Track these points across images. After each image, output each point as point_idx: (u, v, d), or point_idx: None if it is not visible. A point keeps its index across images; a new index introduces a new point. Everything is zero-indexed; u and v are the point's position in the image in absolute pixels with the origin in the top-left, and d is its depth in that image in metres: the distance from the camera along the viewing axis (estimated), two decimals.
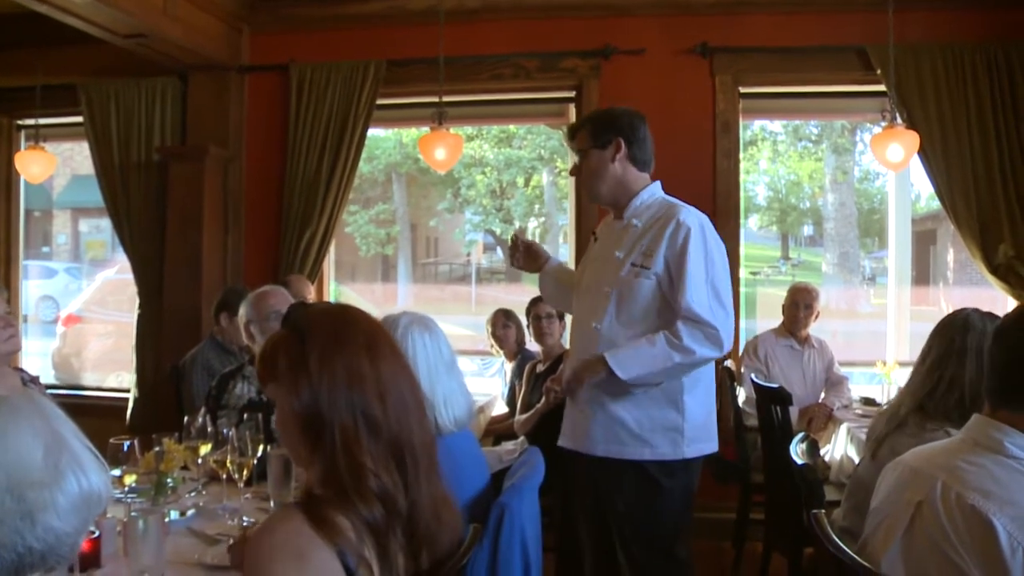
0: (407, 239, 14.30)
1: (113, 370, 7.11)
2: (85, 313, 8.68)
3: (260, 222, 5.28)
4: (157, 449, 2.41)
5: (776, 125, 12.90)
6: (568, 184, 5.45)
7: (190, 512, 2.36)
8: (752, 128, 11.74)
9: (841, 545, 1.63)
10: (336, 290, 5.79)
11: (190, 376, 3.97)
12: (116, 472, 2.19)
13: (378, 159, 12.95)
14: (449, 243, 16.04)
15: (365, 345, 1.43)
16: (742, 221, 5.08)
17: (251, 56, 5.33)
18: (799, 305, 4.62)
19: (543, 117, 6.60)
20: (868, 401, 4.55)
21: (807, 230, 15.99)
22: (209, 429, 2.54)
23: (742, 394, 4.44)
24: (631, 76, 4.89)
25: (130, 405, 5.35)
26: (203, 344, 4.16)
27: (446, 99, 4.68)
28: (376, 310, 2.46)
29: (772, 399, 3.66)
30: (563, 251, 10.65)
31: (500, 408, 4.91)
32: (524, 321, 4.63)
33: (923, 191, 9.42)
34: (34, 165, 5.36)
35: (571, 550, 3.49)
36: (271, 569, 1.27)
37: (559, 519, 3.59)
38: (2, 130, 5.95)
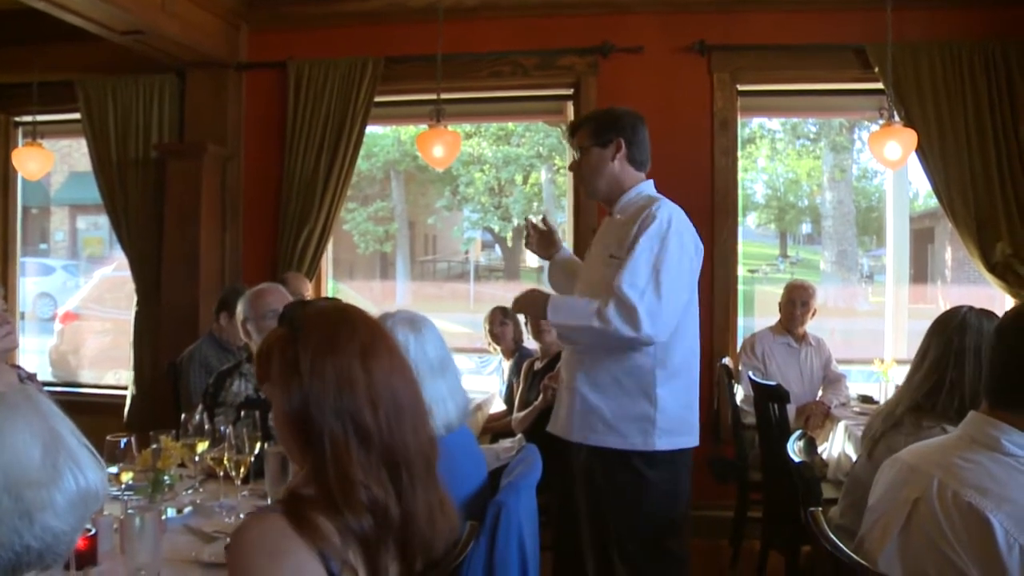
0: (405, 237, 14.30)
1: (110, 367, 7.10)
2: (82, 310, 8.68)
3: (258, 219, 5.28)
4: (154, 446, 2.41)
5: (774, 123, 12.90)
6: (566, 182, 5.45)
7: (187, 509, 2.36)
8: (750, 126, 11.73)
9: (838, 543, 1.63)
10: (334, 288, 5.78)
11: (188, 373, 3.98)
12: (113, 469, 2.19)
13: (376, 156, 12.94)
14: (447, 241, 16.04)
15: (360, 349, 1.40)
16: (740, 219, 5.08)
17: (249, 53, 5.32)
18: (795, 303, 4.63)
19: (541, 115, 6.59)
20: (866, 399, 4.55)
21: (805, 228, 16.01)
22: (206, 426, 2.53)
23: (740, 392, 4.44)
24: (629, 74, 4.89)
25: (127, 402, 5.35)
26: (201, 341, 4.16)
27: (444, 96, 4.67)
28: (374, 308, 2.45)
29: (770, 397, 3.66)
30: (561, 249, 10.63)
31: (498, 406, 4.91)
32: (522, 319, 4.63)
33: (921, 189, 9.44)
34: (31, 162, 5.35)
35: (569, 549, 3.50)
36: (245, 565, 1.26)
37: (556, 517, 3.59)
38: None
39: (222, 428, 2.43)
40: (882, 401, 4.26)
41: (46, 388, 3.29)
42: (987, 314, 2.19)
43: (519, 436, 3.82)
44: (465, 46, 4.97)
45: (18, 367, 3.03)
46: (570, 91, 5.10)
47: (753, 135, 12.67)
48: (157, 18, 4.48)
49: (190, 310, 5.06)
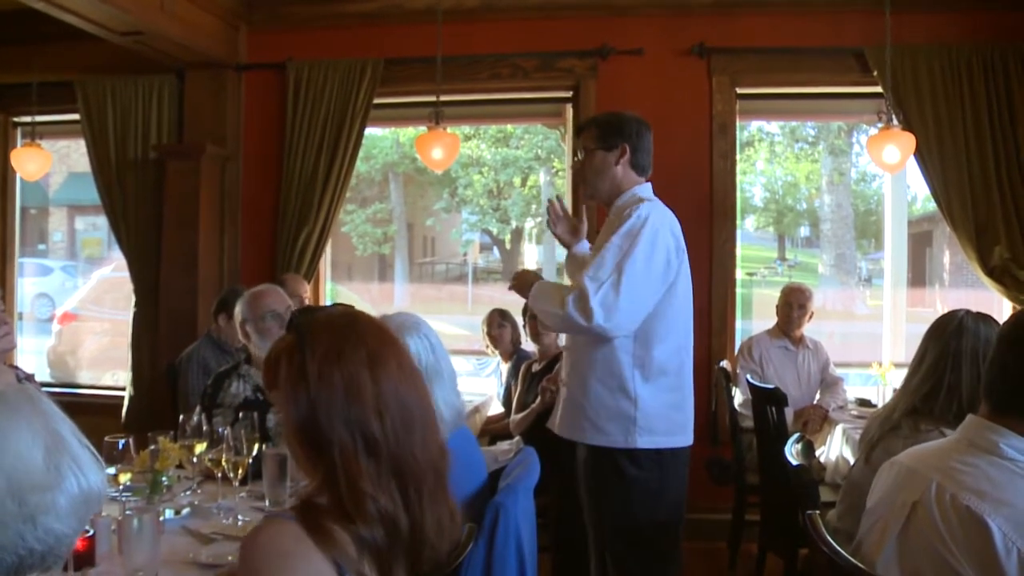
0: (404, 238, 14.31)
1: (109, 368, 7.09)
2: (81, 311, 8.66)
3: (257, 220, 5.28)
4: (152, 447, 2.41)
5: (773, 126, 12.92)
6: (565, 184, 5.45)
7: (185, 511, 2.35)
8: (749, 129, 11.76)
9: (836, 546, 1.63)
10: (332, 289, 5.78)
11: (186, 374, 3.97)
12: (111, 470, 2.18)
13: (375, 158, 12.95)
14: (446, 243, 16.05)
15: (367, 357, 1.38)
16: (739, 222, 5.08)
17: (249, 54, 5.33)
18: (792, 305, 4.63)
19: (540, 117, 6.61)
20: (863, 402, 4.55)
21: (804, 231, 16.02)
22: (204, 428, 2.53)
23: (738, 395, 4.44)
24: (629, 76, 4.90)
25: (125, 403, 5.35)
26: (199, 342, 4.15)
27: (443, 98, 4.67)
28: (372, 309, 2.45)
29: (768, 400, 3.67)
30: (559, 251, 10.64)
31: (496, 408, 4.91)
32: (520, 321, 4.63)
33: (919, 193, 9.47)
34: (30, 162, 5.34)
35: (568, 550, 3.50)
36: (256, 568, 1.25)
37: (554, 519, 3.59)
38: None
39: (220, 429, 2.43)
40: (880, 404, 4.27)
41: (44, 389, 3.28)
42: (984, 318, 2.19)
43: (517, 438, 3.82)
44: (464, 48, 4.97)
45: (16, 368, 3.03)
46: (569, 93, 5.11)
47: (752, 138, 12.69)
48: (156, 19, 4.48)
49: (188, 311, 5.06)
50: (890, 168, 4.50)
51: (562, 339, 4.41)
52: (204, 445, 2.49)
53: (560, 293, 2.66)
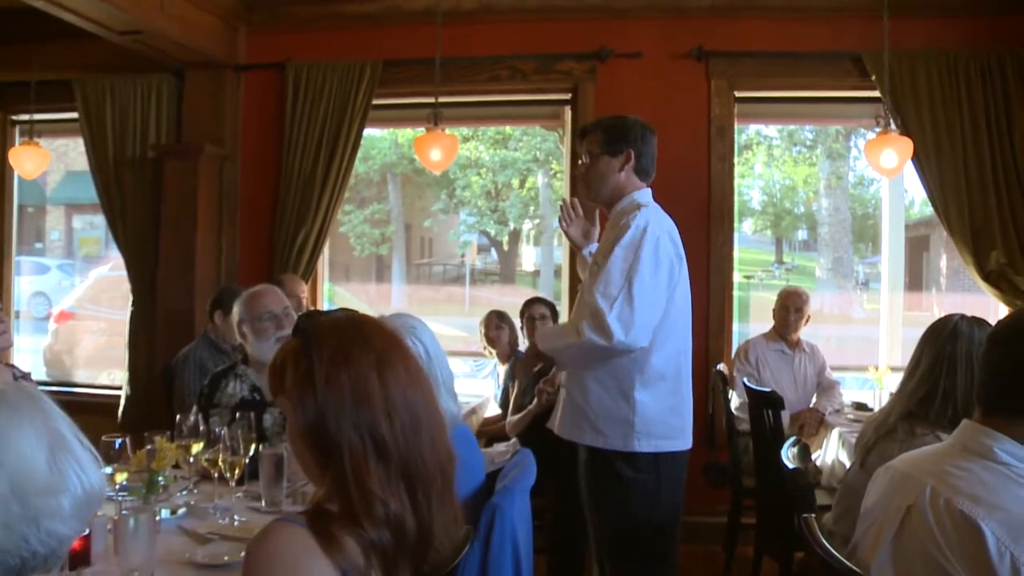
0: (402, 239, 14.30)
1: (105, 367, 7.09)
2: (77, 310, 8.66)
3: (255, 221, 5.27)
4: (149, 447, 2.40)
5: (771, 129, 12.94)
6: (563, 186, 5.45)
7: (181, 511, 2.35)
8: (747, 132, 11.77)
9: (831, 549, 1.64)
10: (330, 290, 5.78)
11: (182, 374, 3.96)
12: (107, 470, 2.18)
13: (373, 159, 12.95)
14: (443, 244, 16.04)
15: (375, 361, 1.37)
16: (736, 225, 5.09)
17: (248, 54, 5.33)
18: (789, 309, 4.64)
19: (539, 119, 6.61)
20: (860, 406, 4.56)
21: (801, 235, 16.05)
22: (201, 428, 2.53)
23: (735, 398, 4.44)
24: (627, 79, 4.90)
25: (122, 403, 5.34)
26: (196, 342, 4.14)
27: (442, 100, 4.67)
28: (370, 310, 2.45)
29: (764, 403, 3.67)
30: (557, 253, 10.65)
31: (492, 410, 4.91)
32: (518, 323, 4.63)
33: (917, 197, 9.47)
34: (28, 161, 5.34)
35: (564, 552, 3.51)
36: (261, 573, 1.24)
37: (551, 520, 3.59)
38: None
39: (217, 429, 2.43)
40: (876, 408, 4.27)
41: (40, 388, 3.28)
42: (979, 322, 2.20)
43: (513, 440, 3.82)
44: (463, 50, 4.97)
45: (13, 366, 3.02)
46: (568, 96, 5.11)
47: (750, 141, 12.71)
48: (156, 18, 4.48)
49: (186, 311, 5.05)
50: (887, 172, 4.51)
51: None
52: (201, 445, 2.49)
53: (564, 327, 2.69)
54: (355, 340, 1.39)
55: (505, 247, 15.02)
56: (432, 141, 4.59)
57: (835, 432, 4.03)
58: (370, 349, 1.38)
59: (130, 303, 5.37)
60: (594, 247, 3.15)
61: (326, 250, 5.39)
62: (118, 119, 5.35)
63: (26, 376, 2.92)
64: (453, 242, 15.78)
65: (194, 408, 2.73)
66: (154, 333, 5.20)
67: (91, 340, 8.21)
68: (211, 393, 3.01)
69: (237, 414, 2.85)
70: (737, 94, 4.94)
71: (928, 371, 2.17)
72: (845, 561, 1.60)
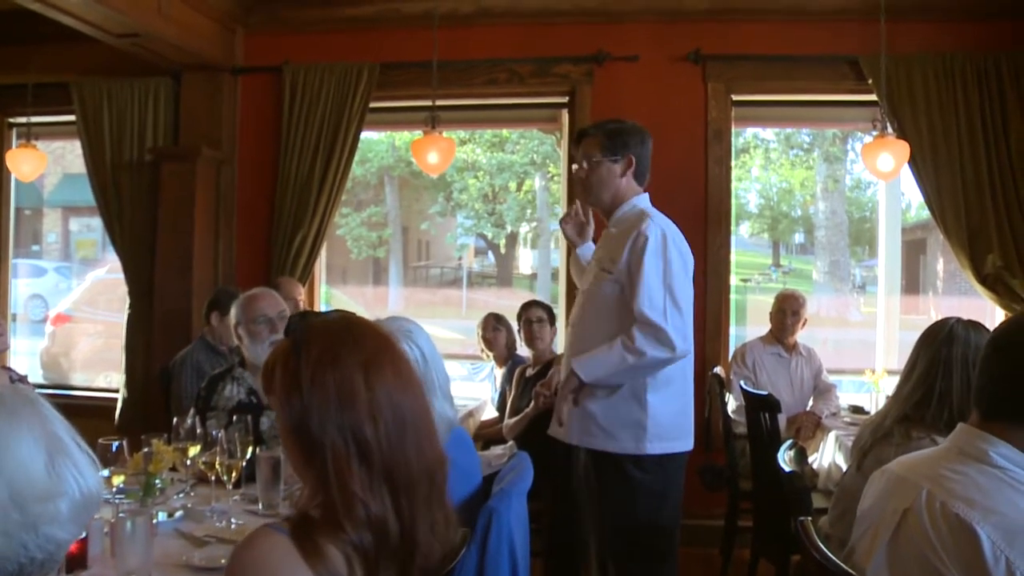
0: (399, 242, 14.32)
1: (102, 370, 7.08)
2: (74, 312, 8.65)
3: (252, 224, 5.27)
4: (146, 450, 2.40)
5: (768, 133, 12.97)
6: (560, 189, 5.46)
7: (178, 514, 2.35)
8: (744, 135, 11.79)
9: (827, 552, 1.64)
10: (327, 293, 5.78)
11: (179, 377, 3.96)
12: (104, 473, 2.18)
13: (371, 162, 12.96)
14: (441, 247, 16.05)
15: (363, 362, 1.37)
16: (733, 228, 5.10)
17: (245, 57, 5.33)
18: (786, 312, 4.64)
19: (536, 122, 6.61)
20: (856, 409, 4.56)
21: (798, 238, 16.08)
22: (198, 430, 2.53)
23: (731, 402, 4.44)
24: (624, 82, 4.91)
25: (119, 405, 5.33)
26: (193, 345, 4.14)
27: (439, 103, 4.68)
28: (367, 313, 2.45)
29: (761, 406, 3.67)
30: (554, 256, 10.66)
31: (490, 413, 4.91)
32: (515, 325, 4.64)
33: (913, 200, 9.50)
34: (25, 163, 5.33)
35: (561, 555, 3.50)
36: None
37: (548, 524, 3.59)
38: None
39: (214, 432, 2.43)
40: (873, 411, 4.28)
41: (37, 390, 3.28)
42: (975, 325, 2.20)
43: (510, 443, 3.82)
44: (461, 53, 4.97)
45: (9, 369, 3.03)
46: (565, 99, 5.12)
47: (747, 145, 12.74)
48: (153, 21, 4.48)
49: (183, 314, 5.05)
50: (884, 176, 4.52)
51: (557, 346, 4.44)
52: (198, 448, 2.49)
53: (608, 351, 2.64)
54: (344, 341, 1.40)
55: (502, 250, 15.02)
56: (429, 144, 4.60)
57: (831, 435, 4.03)
58: (358, 351, 1.39)
59: (127, 306, 5.36)
60: (589, 246, 3.16)
61: (323, 253, 5.39)
62: (115, 122, 5.35)
63: (23, 379, 2.92)
64: (450, 245, 15.78)
65: (191, 411, 2.73)
66: (151, 336, 5.19)
67: (88, 343, 8.19)
68: (208, 396, 3.01)
69: (234, 417, 2.84)
70: (734, 97, 4.95)
71: (924, 374, 2.18)
72: (841, 564, 1.60)
